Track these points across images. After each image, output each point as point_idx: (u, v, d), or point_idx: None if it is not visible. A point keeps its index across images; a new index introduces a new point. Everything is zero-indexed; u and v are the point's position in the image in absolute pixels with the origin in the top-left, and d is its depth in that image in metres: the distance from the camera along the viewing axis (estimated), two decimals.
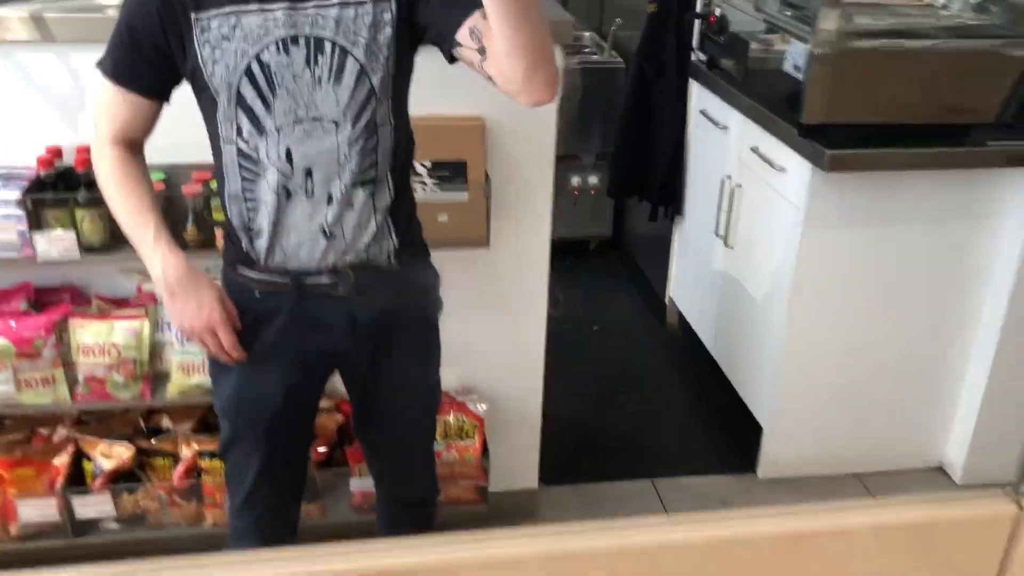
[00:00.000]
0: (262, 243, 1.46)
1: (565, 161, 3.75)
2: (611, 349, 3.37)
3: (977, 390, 2.55)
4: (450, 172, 1.97)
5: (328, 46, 1.36)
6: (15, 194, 1.89)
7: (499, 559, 0.82)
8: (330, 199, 1.43)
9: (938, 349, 2.56)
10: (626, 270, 3.94)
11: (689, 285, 3.30)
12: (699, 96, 3.05)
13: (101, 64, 1.43)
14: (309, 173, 1.41)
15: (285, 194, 1.42)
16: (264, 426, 1.59)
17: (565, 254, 3.93)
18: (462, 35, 1.34)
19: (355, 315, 1.52)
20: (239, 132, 1.40)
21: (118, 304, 2.11)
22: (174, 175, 1.97)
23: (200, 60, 1.37)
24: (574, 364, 3.19)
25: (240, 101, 1.38)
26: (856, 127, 2.29)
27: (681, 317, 3.38)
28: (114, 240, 1.97)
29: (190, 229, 1.95)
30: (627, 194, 3.46)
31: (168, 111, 1.48)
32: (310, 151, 1.40)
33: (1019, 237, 2.36)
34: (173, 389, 2.05)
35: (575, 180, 3.78)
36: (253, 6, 1.34)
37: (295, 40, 1.35)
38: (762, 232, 2.63)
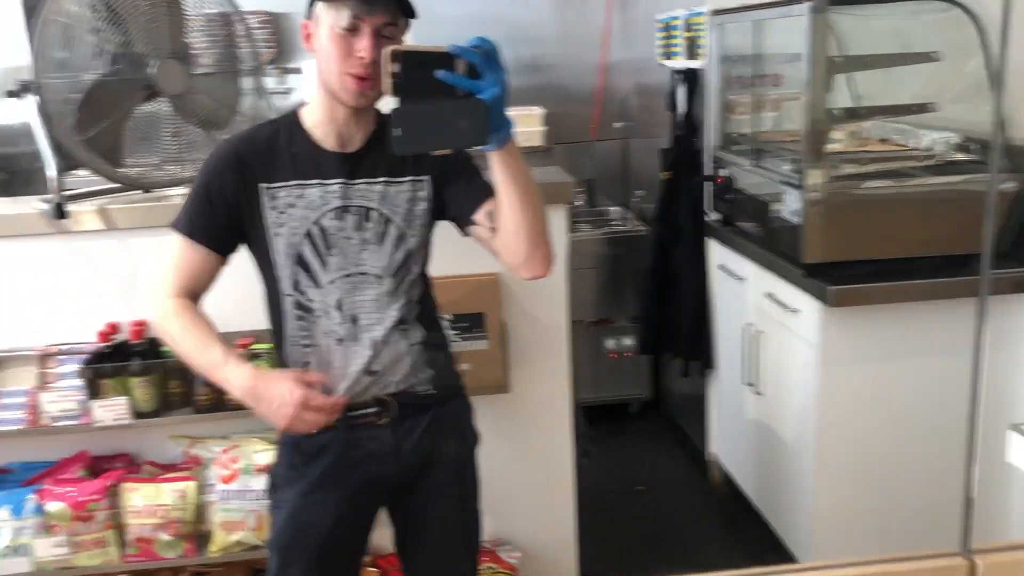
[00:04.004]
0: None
1: (599, 325, 3.89)
2: (654, 509, 3.35)
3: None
4: (470, 323, 2.12)
5: (375, 214, 1.61)
6: (76, 367, 2.09)
7: None
8: (372, 343, 1.62)
9: None
10: (668, 430, 3.96)
11: (728, 438, 3.33)
12: (717, 252, 3.20)
13: (177, 224, 1.62)
14: (355, 320, 1.62)
15: (336, 339, 1.62)
16: (314, 554, 1.67)
17: (606, 418, 3.99)
18: (479, 216, 1.60)
19: (399, 441, 1.67)
20: (296, 285, 1.62)
21: (167, 468, 2.25)
22: None
23: (266, 223, 1.60)
24: (617, 525, 3.18)
25: (300, 259, 1.60)
26: (858, 264, 2.41)
27: (724, 472, 3.38)
28: (164, 407, 2.14)
29: None
30: (657, 351, 3.56)
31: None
32: (357, 301, 1.62)
33: None
34: (215, 547, 2.15)
35: (610, 343, 3.90)
36: (314, 181, 1.59)
37: (348, 209, 1.60)
38: (785, 375, 2.70)
